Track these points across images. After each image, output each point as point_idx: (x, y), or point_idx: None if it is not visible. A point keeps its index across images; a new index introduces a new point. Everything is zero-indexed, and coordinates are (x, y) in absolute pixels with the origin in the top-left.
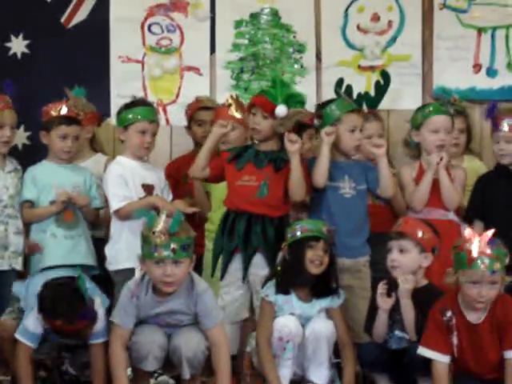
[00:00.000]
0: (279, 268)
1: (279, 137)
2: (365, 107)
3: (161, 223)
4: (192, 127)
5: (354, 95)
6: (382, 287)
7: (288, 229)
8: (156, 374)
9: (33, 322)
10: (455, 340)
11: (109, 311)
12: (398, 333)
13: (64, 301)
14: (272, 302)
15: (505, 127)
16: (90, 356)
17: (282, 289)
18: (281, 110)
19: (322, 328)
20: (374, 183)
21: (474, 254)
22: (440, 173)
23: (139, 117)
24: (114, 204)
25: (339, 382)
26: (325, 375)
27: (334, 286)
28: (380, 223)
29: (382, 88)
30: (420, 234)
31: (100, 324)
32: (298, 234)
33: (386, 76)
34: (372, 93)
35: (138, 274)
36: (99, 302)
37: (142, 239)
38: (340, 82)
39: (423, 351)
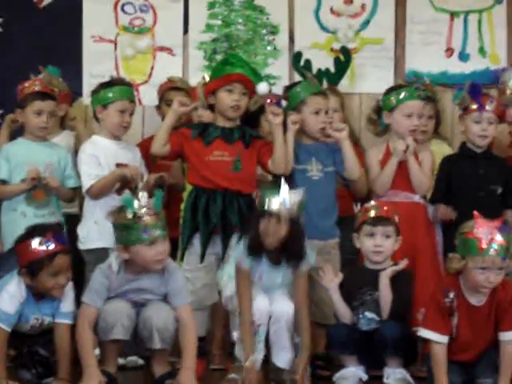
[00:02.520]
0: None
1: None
2: (325, 84)
3: (143, 204)
4: (162, 107)
5: (314, 71)
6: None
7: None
8: (124, 355)
9: (8, 300)
10: (455, 321)
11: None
12: (367, 314)
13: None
14: (247, 269)
15: (489, 107)
16: (55, 337)
17: (253, 252)
18: (264, 87)
19: (284, 308)
20: (341, 165)
21: (485, 241)
22: (409, 160)
23: (120, 95)
24: (86, 183)
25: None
26: (287, 359)
27: (301, 250)
28: (347, 207)
29: (342, 65)
30: (396, 219)
31: (68, 305)
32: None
33: (346, 52)
34: (332, 70)
35: (114, 264)
36: (70, 285)
37: (119, 227)
38: (298, 55)
39: (423, 332)
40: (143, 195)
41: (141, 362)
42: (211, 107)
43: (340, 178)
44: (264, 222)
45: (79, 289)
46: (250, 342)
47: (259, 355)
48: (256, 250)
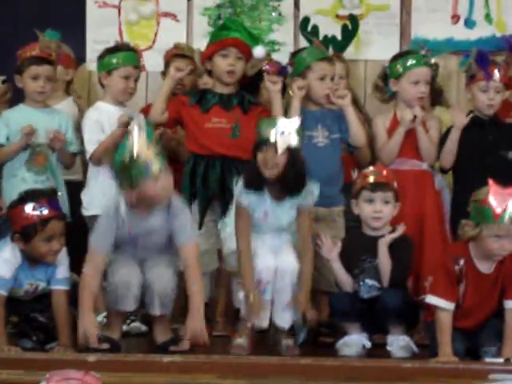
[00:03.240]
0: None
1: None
2: (331, 51)
3: (136, 141)
4: (167, 74)
5: (321, 37)
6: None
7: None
8: (129, 320)
9: (3, 265)
10: (462, 288)
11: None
12: (368, 281)
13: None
14: (246, 207)
15: (497, 76)
16: (52, 304)
17: (252, 185)
18: (260, 50)
19: (289, 267)
20: (346, 132)
21: (500, 209)
22: (417, 130)
23: (124, 62)
24: (89, 149)
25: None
26: (288, 318)
27: (301, 179)
28: (349, 173)
29: (349, 32)
30: (395, 185)
31: (63, 271)
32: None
33: (354, 20)
34: (339, 37)
35: (122, 208)
36: (65, 251)
37: (120, 171)
38: (306, 21)
39: (431, 299)
40: (133, 134)
41: (144, 328)
42: (210, 73)
43: (345, 145)
44: (262, 153)
45: (82, 255)
46: (249, 281)
47: (267, 313)
48: (255, 182)
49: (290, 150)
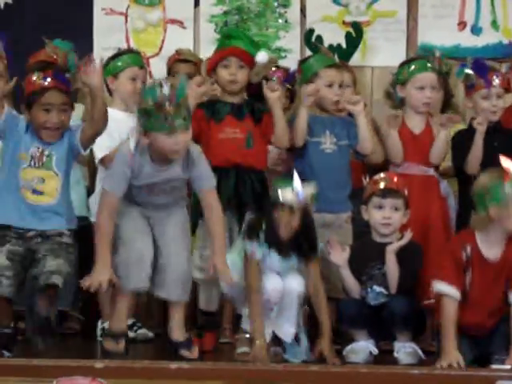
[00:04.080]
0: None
1: (246, 88)
2: (336, 59)
3: (165, 93)
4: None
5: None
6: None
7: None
8: (135, 327)
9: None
10: (468, 277)
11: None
12: (376, 288)
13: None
14: (259, 260)
15: (496, 82)
16: None
17: (270, 243)
18: (262, 56)
19: (294, 285)
20: (354, 139)
21: None
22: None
23: (129, 63)
24: (98, 154)
25: (306, 340)
26: (290, 332)
27: (313, 243)
28: (360, 179)
29: (354, 40)
30: (406, 192)
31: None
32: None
33: (357, 28)
34: (344, 44)
35: (132, 144)
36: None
37: (141, 112)
38: (310, 33)
39: (438, 285)
40: (166, 84)
41: (151, 335)
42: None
43: (353, 152)
44: (277, 213)
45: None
46: (259, 327)
47: (271, 330)
48: (273, 241)
49: (304, 212)
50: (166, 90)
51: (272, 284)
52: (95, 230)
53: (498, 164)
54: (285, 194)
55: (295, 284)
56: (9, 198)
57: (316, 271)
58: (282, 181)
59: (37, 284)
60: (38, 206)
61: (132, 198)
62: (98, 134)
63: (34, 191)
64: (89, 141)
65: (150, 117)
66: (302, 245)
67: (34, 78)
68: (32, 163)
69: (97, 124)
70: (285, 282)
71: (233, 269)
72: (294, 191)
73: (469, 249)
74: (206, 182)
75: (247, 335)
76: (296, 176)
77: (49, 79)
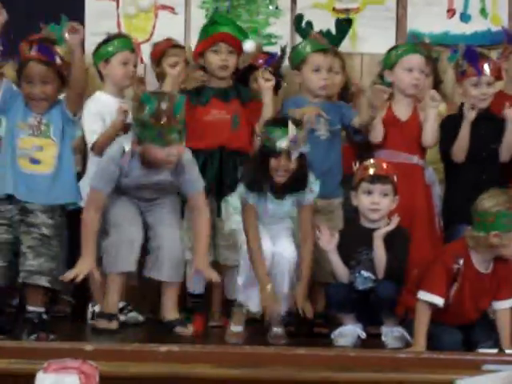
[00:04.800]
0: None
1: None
2: (327, 44)
3: (162, 106)
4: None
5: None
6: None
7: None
8: (126, 310)
9: None
10: (455, 287)
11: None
12: (363, 273)
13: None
14: (253, 205)
15: (487, 70)
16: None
17: (257, 188)
18: (250, 44)
19: (287, 253)
20: (348, 118)
21: None
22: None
23: (120, 47)
24: (90, 139)
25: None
26: (283, 306)
27: (306, 181)
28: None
29: (343, 27)
30: (395, 178)
31: None
32: (264, 140)
33: (347, 20)
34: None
35: (127, 148)
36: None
37: (138, 123)
38: (299, 18)
39: (424, 295)
40: (165, 97)
41: (141, 318)
42: (204, 69)
43: (351, 134)
44: (275, 160)
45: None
46: (264, 274)
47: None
48: (258, 185)
49: (300, 156)
50: (164, 103)
51: (265, 243)
52: (82, 226)
53: (483, 152)
54: (281, 142)
55: (287, 252)
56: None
57: (307, 217)
58: (275, 128)
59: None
60: (35, 176)
61: (121, 190)
62: (79, 95)
63: (32, 160)
64: (73, 104)
65: (146, 128)
66: (296, 185)
67: (24, 48)
68: (31, 131)
69: (77, 83)
70: (277, 247)
71: (235, 213)
72: (290, 137)
73: (461, 261)
74: (195, 185)
75: (244, 310)
76: (290, 121)
77: (32, 52)
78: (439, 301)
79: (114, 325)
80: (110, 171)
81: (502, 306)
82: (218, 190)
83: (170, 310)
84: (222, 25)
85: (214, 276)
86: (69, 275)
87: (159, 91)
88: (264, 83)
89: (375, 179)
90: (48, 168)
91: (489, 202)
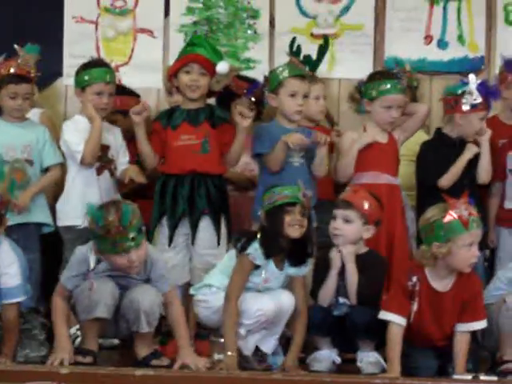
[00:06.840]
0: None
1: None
2: (306, 70)
3: (111, 218)
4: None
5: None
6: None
7: (264, 196)
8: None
9: None
10: (415, 306)
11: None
12: (340, 299)
13: None
14: (254, 265)
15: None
16: (2, 316)
17: (269, 254)
18: (222, 65)
19: (287, 303)
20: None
21: (466, 217)
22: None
23: (96, 78)
24: (77, 149)
25: (281, 352)
26: (273, 345)
27: (310, 251)
28: (326, 191)
29: (321, 48)
30: (366, 207)
31: (14, 282)
32: (276, 200)
33: (325, 40)
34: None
35: (92, 262)
36: (16, 266)
37: (92, 234)
38: (293, 41)
39: (384, 315)
40: (111, 209)
41: (116, 341)
42: (178, 90)
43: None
44: (289, 215)
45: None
46: (233, 341)
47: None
48: (276, 249)
49: (309, 215)
50: (110, 215)
51: (267, 304)
52: (52, 311)
53: (465, 179)
54: (295, 196)
55: (288, 301)
56: None
57: (301, 290)
58: (287, 185)
59: None
60: None
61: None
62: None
63: None
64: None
65: (100, 240)
66: (298, 254)
67: None
68: None
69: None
70: (277, 299)
71: (219, 292)
72: (303, 191)
73: (415, 279)
74: (165, 283)
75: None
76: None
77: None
78: (399, 319)
79: (88, 360)
80: (79, 272)
81: (460, 328)
82: (190, 213)
83: (143, 347)
84: (198, 46)
85: (202, 364)
86: (50, 361)
87: (106, 202)
88: (241, 120)
89: (338, 204)
90: None
91: (427, 214)
